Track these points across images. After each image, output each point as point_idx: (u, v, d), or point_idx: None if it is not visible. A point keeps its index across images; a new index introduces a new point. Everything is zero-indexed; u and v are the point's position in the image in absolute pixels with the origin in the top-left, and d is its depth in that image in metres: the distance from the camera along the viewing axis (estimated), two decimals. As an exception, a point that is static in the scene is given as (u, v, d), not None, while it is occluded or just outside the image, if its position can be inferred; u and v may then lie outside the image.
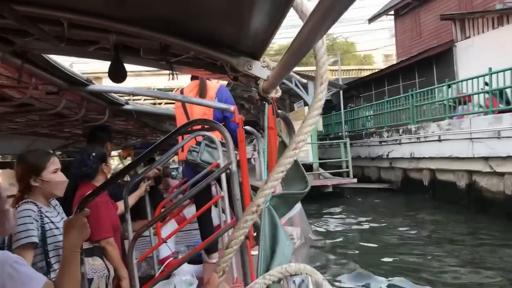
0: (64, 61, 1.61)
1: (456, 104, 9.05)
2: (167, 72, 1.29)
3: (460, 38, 12.12)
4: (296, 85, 10.46)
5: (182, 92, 2.76)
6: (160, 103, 14.72)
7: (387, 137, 10.98)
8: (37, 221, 1.54)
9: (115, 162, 8.22)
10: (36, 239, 1.51)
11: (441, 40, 13.07)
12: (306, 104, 10.71)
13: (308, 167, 10.55)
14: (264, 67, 1.10)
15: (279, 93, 1.22)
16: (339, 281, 4.81)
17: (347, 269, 5.17)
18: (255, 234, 1.90)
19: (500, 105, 7.56)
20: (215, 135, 2.34)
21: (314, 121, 0.78)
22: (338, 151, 11.99)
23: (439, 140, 8.65)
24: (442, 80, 10.10)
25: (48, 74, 1.58)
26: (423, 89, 10.31)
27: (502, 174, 7.18)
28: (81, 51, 1.23)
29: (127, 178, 3.56)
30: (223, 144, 2.29)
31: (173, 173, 7.76)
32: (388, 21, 21.83)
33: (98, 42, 1.11)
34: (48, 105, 2.15)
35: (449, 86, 9.30)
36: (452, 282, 4.64)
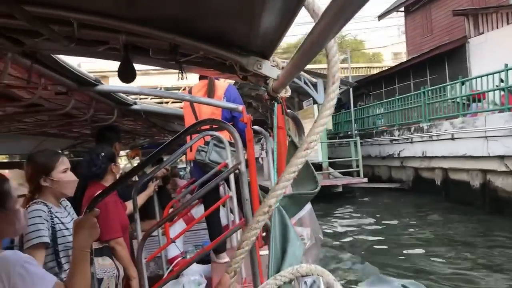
0: (72, 61, 1.61)
1: (470, 101, 8.86)
2: (174, 71, 1.28)
3: (473, 34, 11.88)
4: (305, 83, 10.38)
5: (190, 91, 2.76)
6: (167, 102, 14.82)
7: (398, 135, 10.82)
8: (47, 221, 1.55)
9: (123, 162, 8.29)
10: (47, 239, 1.52)
11: (453, 36, 12.83)
12: (315, 102, 10.63)
13: (318, 167, 10.48)
14: (273, 66, 1.09)
15: (289, 93, 1.21)
16: (350, 282, 4.77)
17: (358, 270, 5.12)
18: (263, 234, 1.88)
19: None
20: (223, 135, 2.33)
21: (326, 120, 0.77)
22: (347, 150, 11.88)
23: (452, 139, 8.49)
24: (455, 78, 9.91)
25: (57, 75, 1.59)
26: (436, 86, 10.12)
27: (518, 174, 7.04)
28: (91, 51, 1.23)
29: (135, 178, 3.59)
30: (231, 144, 2.28)
31: (180, 173, 7.80)
32: (397, 18, 21.57)
33: (107, 42, 1.11)
34: (57, 105, 2.17)
35: (462, 83, 9.11)
36: (466, 286, 4.54)
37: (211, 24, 0.96)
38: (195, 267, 2.65)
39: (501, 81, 7.84)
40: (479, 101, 8.55)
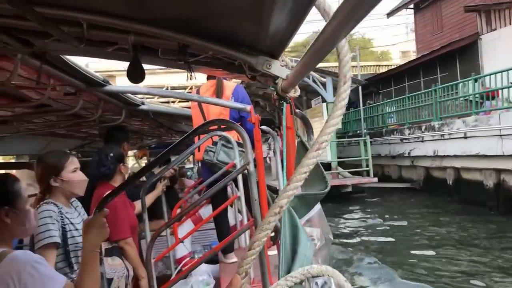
0: (80, 61, 1.62)
1: (484, 99, 8.68)
2: (181, 70, 1.27)
3: (485, 31, 11.66)
4: (314, 81, 10.31)
5: (198, 92, 2.76)
6: (173, 102, 14.87)
7: (409, 134, 10.67)
8: (58, 221, 1.56)
9: (130, 162, 8.35)
10: (58, 239, 1.53)
11: (464, 33, 12.61)
12: (324, 100, 10.54)
13: (326, 166, 10.41)
14: (283, 66, 1.08)
15: (298, 92, 1.20)
16: (360, 283, 4.73)
17: (369, 270, 5.06)
18: (271, 234, 1.87)
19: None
20: (231, 135, 2.33)
21: (338, 121, 0.76)
22: (356, 150, 11.77)
23: (465, 137, 8.32)
24: (466, 75, 9.72)
25: (66, 75, 1.59)
26: (448, 84, 9.93)
27: (533, 173, 6.90)
28: (100, 52, 1.23)
29: (143, 178, 3.60)
30: (239, 144, 2.28)
31: (188, 173, 7.83)
32: (405, 16, 21.31)
33: (116, 42, 1.11)
34: (66, 106, 2.18)
35: (475, 80, 8.93)
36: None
37: (220, 24, 0.95)
38: (203, 267, 2.65)
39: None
40: (493, 98, 8.37)
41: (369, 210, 9.30)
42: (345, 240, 6.80)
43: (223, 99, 2.55)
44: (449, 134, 8.93)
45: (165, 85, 19.96)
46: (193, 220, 3.01)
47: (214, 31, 0.97)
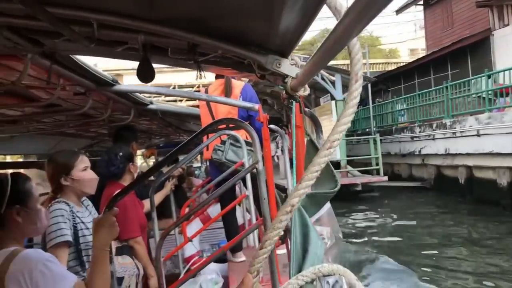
0: (89, 61, 1.62)
1: (497, 96, 8.49)
2: (188, 69, 1.27)
3: (497, 26, 11.43)
4: (322, 79, 10.23)
5: (206, 91, 2.76)
6: (181, 100, 14.92)
7: (420, 132, 10.51)
8: (69, 220, 1.57)
9: (139, 161, 8.41)
10: (70, 238, 1.55)
11: (475, 29, 12.38)
12: (332, 98, 10.45)
13: (336, 165, 10.33)
14: (292, 65, 1.07)
15: (308, 91, 1.19)
16: (370, 282, 4.69)
17: (379, 270, 5.02)
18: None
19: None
20: (240, 134, 2.32)
21: (349, 119, 0.76)
22: (365, 148, 11.64)
23: (478, 135, 8.15)
24: (478, 72, 9.54)
25: (76, 75, 1.60)
26: (460, 81, 9.74)
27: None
28: (110, 52, 1.23)
29: (151, 177, 3.62)
30: (247, 143, 2.27)
31: (196, 172, 7.85)
32: (414, 13, 21.00)
33: (126, 42, 1.12)
34: (75, 106, 2.19)
35: (489, 76, 8.74)
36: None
37: (230, 23, 0.94)
38: (211, 266, 2.65)
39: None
40: (507, 95, 8.19)
41: (379, 209, 9.20)
42: (354, 240, 6.75)
43: (232, 98, 2.55)
44: (461, 131, 8.77)
45: (173, 83, 20.03)
46: (202, 219, 3.02)
47: (224, 30, 0.97)
